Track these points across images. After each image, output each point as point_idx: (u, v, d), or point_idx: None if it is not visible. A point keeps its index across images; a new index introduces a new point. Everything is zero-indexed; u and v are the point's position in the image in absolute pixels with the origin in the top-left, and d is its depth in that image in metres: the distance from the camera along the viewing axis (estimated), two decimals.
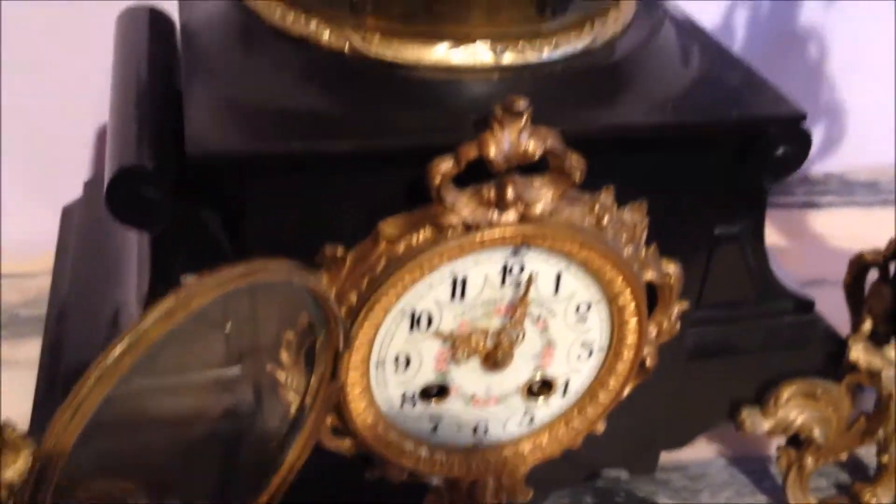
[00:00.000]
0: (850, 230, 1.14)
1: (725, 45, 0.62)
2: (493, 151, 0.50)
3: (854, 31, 1.15)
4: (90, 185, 0.82)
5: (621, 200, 0.57)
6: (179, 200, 0.54)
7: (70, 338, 0.69)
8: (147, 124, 0.56)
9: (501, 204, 0.53)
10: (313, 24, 0.55)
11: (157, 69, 0.64)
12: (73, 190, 1.01)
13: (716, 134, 0.56)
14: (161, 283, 0.56)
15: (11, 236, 1.02)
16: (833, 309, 0.75)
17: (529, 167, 0.52)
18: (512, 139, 0.50)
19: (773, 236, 0.66)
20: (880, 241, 0.71)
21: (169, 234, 0.55)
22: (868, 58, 1.18)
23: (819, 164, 1.24)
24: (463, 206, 0.52)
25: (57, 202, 0.99)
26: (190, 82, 0.53)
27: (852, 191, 1.23)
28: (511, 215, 0.53)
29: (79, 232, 0.80)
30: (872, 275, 0.73)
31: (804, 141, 0.60)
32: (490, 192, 0.52)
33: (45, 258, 0.83)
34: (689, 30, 0.64)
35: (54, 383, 0.62)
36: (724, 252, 0.66)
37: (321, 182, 0.52)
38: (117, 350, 0.39)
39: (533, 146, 0.51)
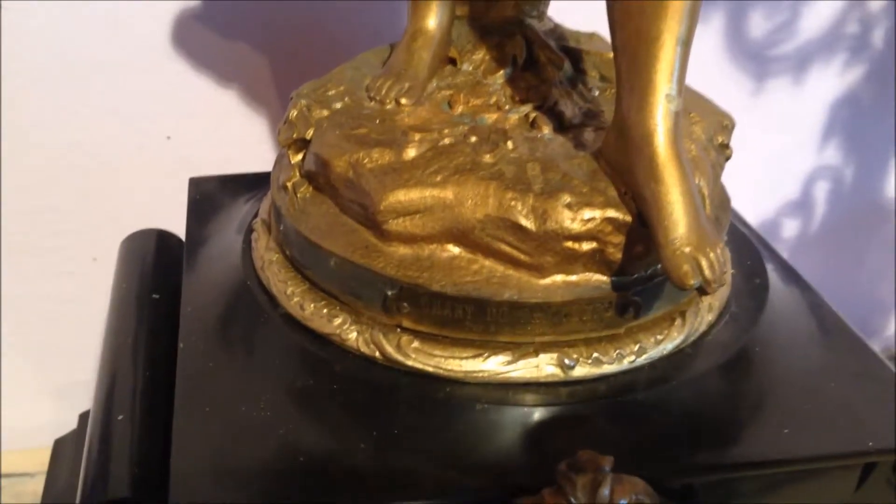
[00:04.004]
0: None
1: (841, 317, 0.51)
2: None
3: None
4: (85, 418, 0.72)
5: None
6: None
7: None
8: (131, 432, 0.46)
9: None
10: (337, 321, 0.44)
11: (153, 327, 0.54)
12: (74, 379, 0.93)
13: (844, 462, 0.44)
14: None
15: (11, 426, 0.93)
16: None
17: None
18: (587, 498, 0.39)
19: None
20: None
21: None
22: None
23: None
24: None
25: (57, 391, 0.91)
26: (182, 406, 0.42)
27: None
28: None
29: (70, 468, 0.70)
30: None
31: None
32: None
33: (44, 453, 0.74)
34: (797, 297, 0.52)
35: None
36: None
37: None
38: None
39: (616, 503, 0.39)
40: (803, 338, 0.49)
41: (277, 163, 0.51)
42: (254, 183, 0.61)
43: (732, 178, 0.65)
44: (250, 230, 0.53)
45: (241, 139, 0.82)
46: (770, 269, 0.53)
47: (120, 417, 0.47)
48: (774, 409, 0.44)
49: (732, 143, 0.55)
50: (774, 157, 0.98)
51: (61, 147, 0.80)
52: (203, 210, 0.59)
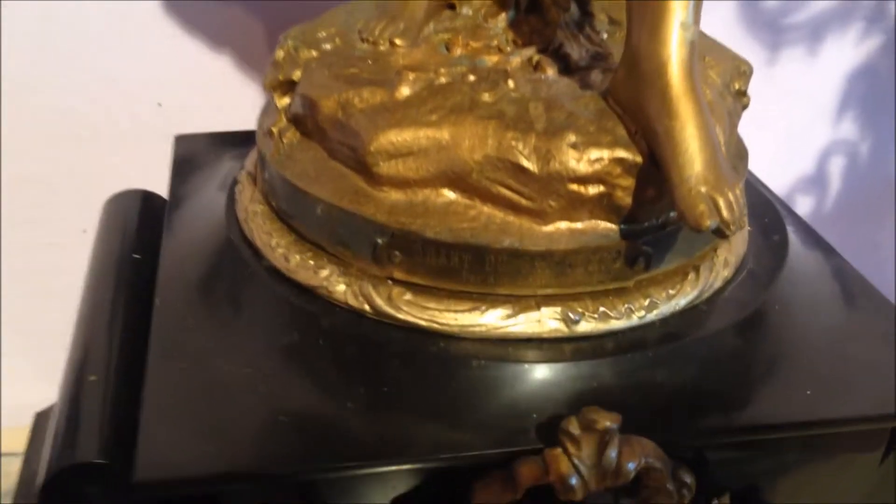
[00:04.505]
0: None
1: (863, 277, 0.47)
2: (565, 476, 0.36)
3: None
4: None
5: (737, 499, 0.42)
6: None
7: None
8: (104, 394, 0.43)
9: None
10: (324, 273, 0.41)
11: (133, 288, 0.51)
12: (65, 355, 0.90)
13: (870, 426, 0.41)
14: None
15: (10, 404, 0.91)
16: None
17: None
18: (593, 460, 0.36)
19: None
20: None
21: None
22: None
23: None
24: None
25: (49, 368, 0.89)
26: (155, 365, 0.39)
27: None
28: None
29: None
30: None
31: None
32: None
33: None
34: (817, 256, 0.49)
35: None
36: None
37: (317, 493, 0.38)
38: None
39: (624, 466, 0.36)
40: (825, 297, 0.46)
41: (263, 111, 0.48)
42: (241, 140, 0.58)
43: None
44: (234, 183, 0.50)
45: (234, 105, 0.79)
46: (789, 227, 0.50)
47: (92, 378, 0.44)
48: (794, 371, 0.41)
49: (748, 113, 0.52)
50: (789, 131, 0.95)
51: (53, 118, 0.77)
52: (187, 167, 0.56)
